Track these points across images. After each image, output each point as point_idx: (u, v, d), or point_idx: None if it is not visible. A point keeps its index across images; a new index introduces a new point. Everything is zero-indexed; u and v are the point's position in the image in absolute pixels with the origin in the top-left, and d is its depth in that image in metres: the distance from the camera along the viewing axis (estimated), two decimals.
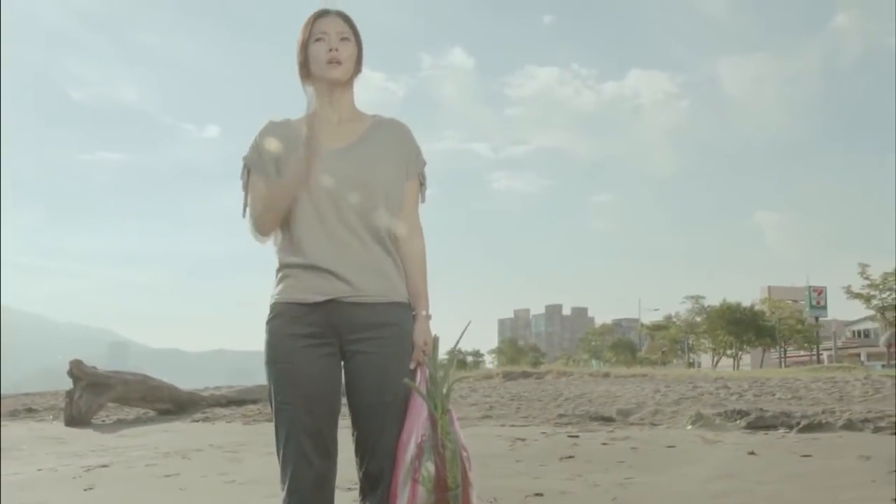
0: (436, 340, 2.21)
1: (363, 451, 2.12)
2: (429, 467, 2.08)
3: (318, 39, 2.19)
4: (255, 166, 2.21)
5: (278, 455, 2.11)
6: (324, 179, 2.12)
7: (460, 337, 2.27)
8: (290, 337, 2.11)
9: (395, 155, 2.23)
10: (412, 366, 2.16)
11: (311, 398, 2.09)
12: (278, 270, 2.17)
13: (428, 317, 2.23)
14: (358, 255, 2.13)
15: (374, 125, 2.26)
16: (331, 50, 2.17)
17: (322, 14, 2.23)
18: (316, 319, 2.10)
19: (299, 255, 2.13)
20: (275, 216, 2.14)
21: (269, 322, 2.15)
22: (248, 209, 2.20)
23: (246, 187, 2.22)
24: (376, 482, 2.10)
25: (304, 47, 2.20)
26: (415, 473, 2.07)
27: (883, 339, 64.25)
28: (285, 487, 2.09)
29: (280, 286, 2.15)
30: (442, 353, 2.24)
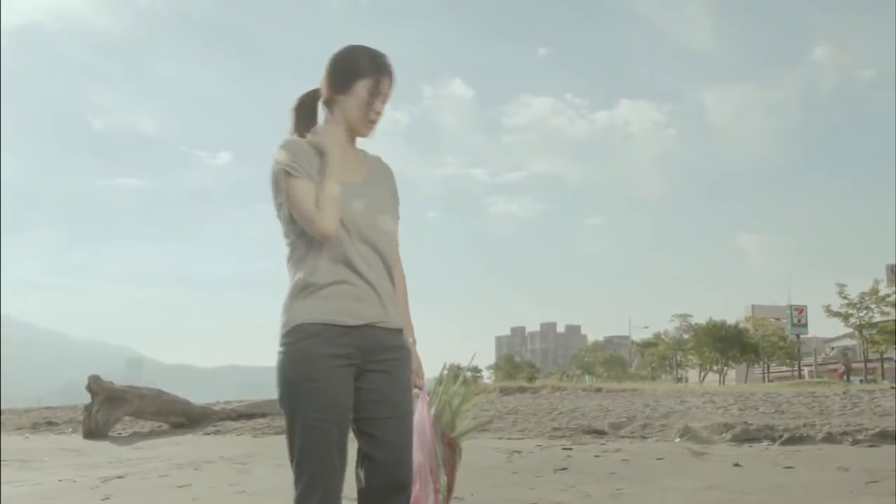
0: (452, 369, 2.31)
1: (383, 462, 2.09)
2: (443, 479, 2.24)
3: (374, 95, 2.15)
4: (296, 170, 2.07)
5: (303, 469, 2.04)
6: (354, 206, 2.12)
7: (469, 366, 2.40)
8: (325, 357, 2.05)
9: (392, 194, 2.27)
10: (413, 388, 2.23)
11: (342, 415, 2.08)
12: (303, 288, 2.08)
13: (415, 342, 2.29)
14: (383, 282, 2.15)
15: (373, 164, 2.27)
16: (379, 114, 2.18)
17: (390, 73, 2.19)
18: (349, 342, 2.08)
19: (334, 277, 2.08)
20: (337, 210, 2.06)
21: (301, 342, 2.05)
22: (299, 207, 2.05)
23: (285, 190, 2.07)
24: (398, 492, 2.10)
25: (366, 89, 2.14)
26: (436, 484, 2.21)
27: (834, 352, 64.18)
28: (317, 501, 2.04)
29: (309, 305, 2.07)
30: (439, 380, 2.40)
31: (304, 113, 2.23)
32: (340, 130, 2.17)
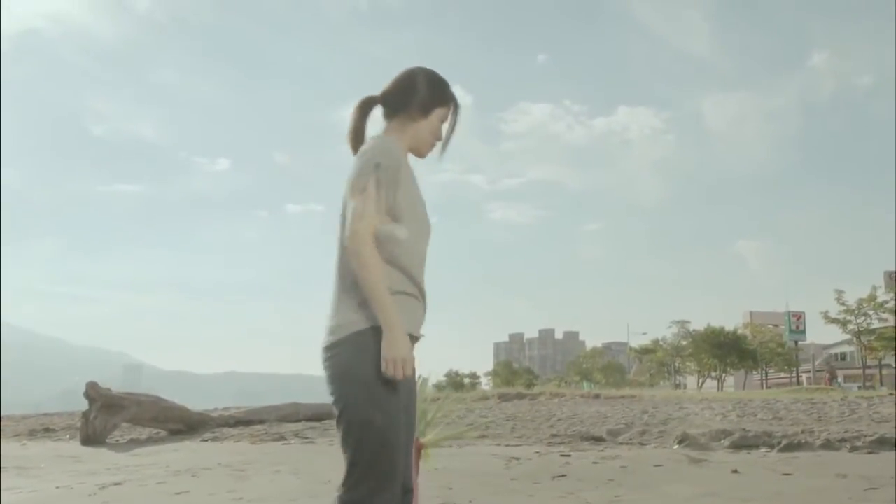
0: (426, 381, 2.38)
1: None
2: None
3: (444, 122, 2.28)
4: (388, 180, 2.09)
5: (374, 470, 2.01)
6: (428, 226, 2.23)
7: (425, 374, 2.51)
8: None
9: None
10: None
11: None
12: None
13: None
14: None
15: None
16: (440, 140, 2.29)
17: (458, 104, 2.31)
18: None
19: (409, 288, 2.13)
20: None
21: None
22: (362, 208, 2.04)
23: (376, 186, 2.07)
24: (407, 492, 2.15)
25: (439, 118, 2.27)
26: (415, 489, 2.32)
27: (819, 361, 64.32)
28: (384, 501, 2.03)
29: None
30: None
31: (364, 115, 2.28)
32: (404, 146, 2.24)
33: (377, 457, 2.01)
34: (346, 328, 2.05)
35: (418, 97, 2.24)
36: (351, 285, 2.08)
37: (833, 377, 41.68)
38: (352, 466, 2.02)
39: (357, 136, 2.25)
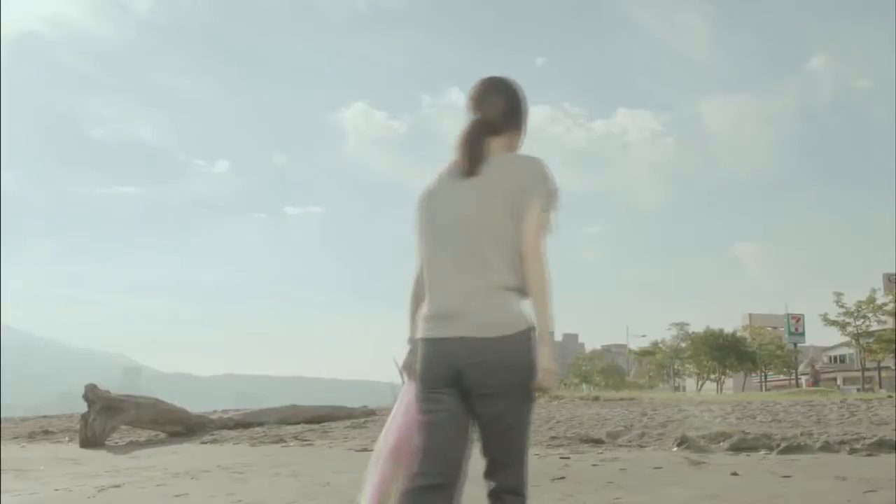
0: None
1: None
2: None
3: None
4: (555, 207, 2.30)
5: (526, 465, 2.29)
6: None
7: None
8: None
9: None
10: None
11: None
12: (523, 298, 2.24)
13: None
14: None
15: None
16: None
17: None
18: None
19: None
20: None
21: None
22: (543, 235, 2.28)
23: (550, 208, 2.30)
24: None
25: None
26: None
27: (805, 363, 64.44)
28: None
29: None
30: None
31: (485, 139, 2.35)
32: None
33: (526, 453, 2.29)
34: (519, 323, 2.20)
35: (524, 112, 2.40)
36: (515, 284, 2.22)
37: (817, 380, 41.90)
38: (519, 453, 2.25)
39: (480, 159, 2.29)
